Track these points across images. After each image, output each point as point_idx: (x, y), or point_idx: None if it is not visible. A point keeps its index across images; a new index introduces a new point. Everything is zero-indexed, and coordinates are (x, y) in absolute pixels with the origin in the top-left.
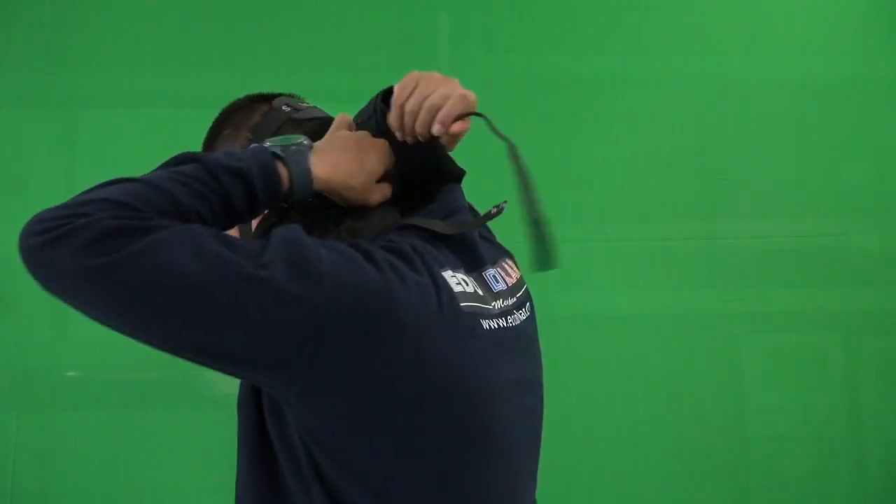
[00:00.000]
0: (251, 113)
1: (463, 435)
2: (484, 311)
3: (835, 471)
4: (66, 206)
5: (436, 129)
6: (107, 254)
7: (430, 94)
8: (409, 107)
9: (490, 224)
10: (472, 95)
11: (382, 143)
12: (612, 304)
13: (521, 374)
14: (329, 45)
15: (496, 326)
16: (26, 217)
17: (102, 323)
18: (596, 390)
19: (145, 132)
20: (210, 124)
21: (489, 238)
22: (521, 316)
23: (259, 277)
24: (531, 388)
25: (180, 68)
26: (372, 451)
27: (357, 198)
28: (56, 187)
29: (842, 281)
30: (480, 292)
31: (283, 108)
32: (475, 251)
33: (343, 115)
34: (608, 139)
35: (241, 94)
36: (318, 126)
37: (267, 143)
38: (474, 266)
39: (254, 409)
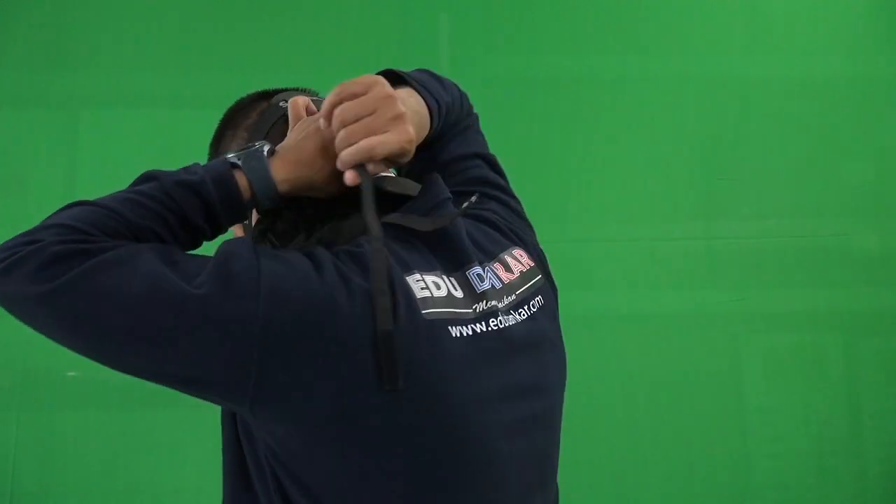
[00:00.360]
0: (251, 112)
1: (429, 452)
2: (455, 317)
3: (835, 471)
4: (25, 233)
5: (348, 175)
6: (51, 280)
7: (373, 112)
8: (340, 115)
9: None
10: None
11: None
12: (612, 303)
13: (516, 380)
14: (329, 45)
15: (472, 332)
16: (26, 217)
17: (63, 345)
18: (595, 390)
19: (145, 132)
20: (209, 124)
21: (499, 226)
22: (520, 315)
23: (193, 297)
24: (534, 393)
25: (180, 68)
26: (329, 475)
27: (322, 194)
28: (56, 187)
29: (842, 281)
30: (458, 295)
31: (281, 104)
32: (458, 248)
33: (295, 99)
34: (608, 139)
35: (240, 94)
36: None
37: (230, 155)
38: (456, 265)
39: (231, 424)
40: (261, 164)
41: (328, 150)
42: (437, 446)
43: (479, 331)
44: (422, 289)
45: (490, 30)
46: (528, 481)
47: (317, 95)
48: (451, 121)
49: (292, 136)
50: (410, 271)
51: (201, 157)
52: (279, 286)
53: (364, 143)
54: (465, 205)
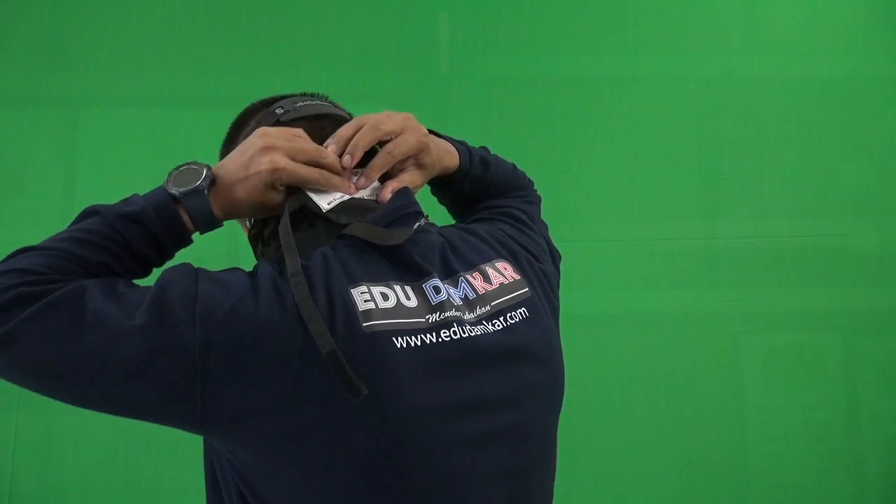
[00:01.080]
0: (251, 119)
1: (374, 465)
2: (402, 327)
3: (834, 470)
4: None
5: (384, 192)
6: (3, 324)
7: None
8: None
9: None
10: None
11: (277, 132)
12: (611, 303)
13: (478, 392)
14: (329, 45)
15: (421, 343)
16: (26, 217)
17: (22, 386)
18: (595, 391)
19: (145, 132)
20: (209, 124)
21: (487, 238)
22: (494, 326)
23: (133, 329)
24: (503, 406)
25: (180, 69)
26: (282, 489)
27: (259, 216)
28: (56, 187)
29: (841, 281)
30: (410, 304)
31: (277, 111)
32: (412, 262)
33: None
34: (608, 139)
35: (240, 95)
36: (307, 126)
37: (171, 186)
38: (413, 276)
39: (203, 440)
40: (201, 202)
41: (280, 181)
42: (382, 459)
43: (429, 341)
44: (365, 301)
45: (490, 30)
46: (496, 498)
47: (325, 99)
48: (496, 177)
49: (237, 157)
50: (356, 283)
51: (201, 156)
52: (215, 310)
53: (384, 149)
54: (417, 225)
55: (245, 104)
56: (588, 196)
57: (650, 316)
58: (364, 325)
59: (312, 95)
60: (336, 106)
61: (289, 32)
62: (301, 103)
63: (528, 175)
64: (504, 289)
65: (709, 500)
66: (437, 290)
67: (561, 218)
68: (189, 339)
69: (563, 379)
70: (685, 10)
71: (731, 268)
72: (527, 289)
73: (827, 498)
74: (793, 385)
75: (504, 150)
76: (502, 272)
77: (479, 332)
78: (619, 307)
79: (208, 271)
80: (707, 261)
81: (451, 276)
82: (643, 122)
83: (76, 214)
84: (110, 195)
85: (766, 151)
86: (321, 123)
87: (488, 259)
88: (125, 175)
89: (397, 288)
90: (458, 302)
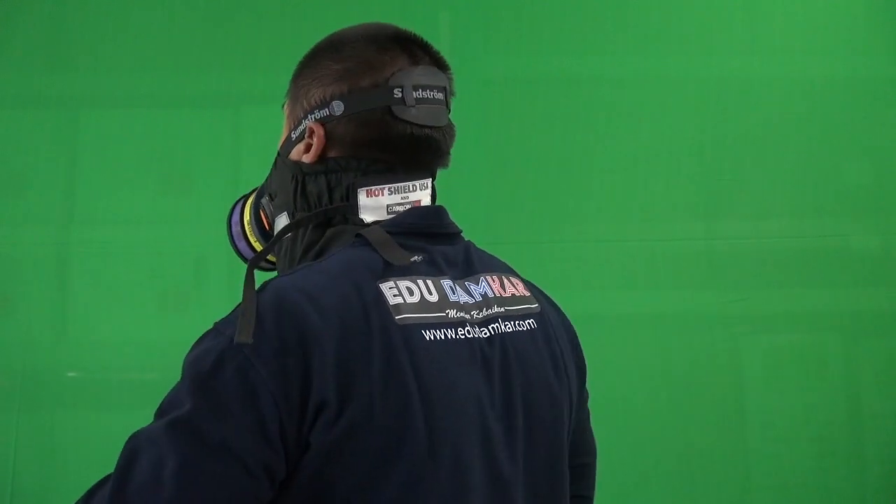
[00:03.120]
0: (369, 68)
1: (410, 457)
2: (429, 321)
3: (835, 471)
4: None
5: None
6: None
7: None
8: None
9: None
10: None
11: None
12: (612, 304)
13: (490, 390)
14: None
15: (445, 337)
16: (26, 218)
17: None
18: (595, 391)
19: (145, 133)
20: (209, 125)
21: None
22: (506, 328)
23: (218, 444)
24: (514, 406)
25: (181, 69)
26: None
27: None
28: (56, 188)
29: (842, 282)
30: (432, 300)
31: (395, 91)
32: (433, 262)
33: None
34: (608, 139)
35: (240, 95)
36: (409, 146)
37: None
38: (433, 271)
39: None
40: None
41: None
42: (417, 448)
43: (452, 336)
44: (394, 295)
45: (490, 30)
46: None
47: (445, 75)
48: None
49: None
50: (384, 279)
51: (201, 157)
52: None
53: None
54: (414, 259)
55: (245, 105)
56: (589, 196)
57: (651, 316)
58: (397, 318)
59: (427, 52)
60: (448, 95)
61: (289, 33)
62: (422, 92)
63: (530, 175)
64: (514, 299)
65: (709, 501)
66: (456, 286)
67: (562, 218)
68: (266, 416)
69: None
70: (686, 10)
71: (732, 268)
72: (536, 304)
73: (828, 499)
74: (793, 386)
75: (505, 150)
76: (515, 286)
77: (490, 333)
78: (620, 308)
79: (224, 340)
80: (708, 261)
81: (471, 274)
82: (644, 123)
83: (76, 215)
84: (111, 196)
85: (766, 152)
86: (421, 144)
87: (505, 271)
88: (126, 175)
89: (420, 282)
90: (478, 299)
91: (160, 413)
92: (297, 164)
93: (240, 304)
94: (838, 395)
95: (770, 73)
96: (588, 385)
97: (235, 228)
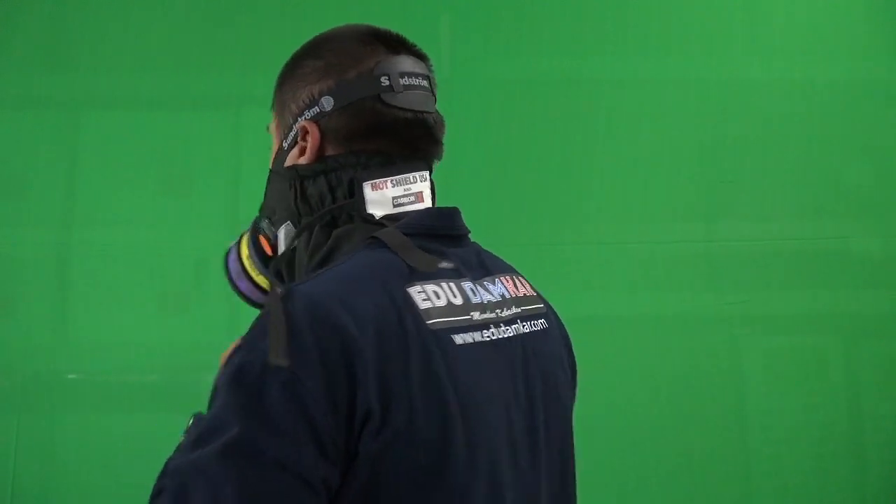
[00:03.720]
0: (350, 65)
1: (447, 459)
2: (457, 325)
3: (835, 473)
4: None
5: None
6: None
7: None
8: None
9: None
10: None
11: None
12: (613, 306)
13: (513, 390)
14: None
15: (473, 340)
16: (27, 218)
17: None
18: (596, 393)
19: (145, 134)
20: (209, 126)
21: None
22: (524, 328)
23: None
24: (534, 405)
25: (181, 70)
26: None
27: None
28: (56, 188)
29: (842, 283)
30: (457, 303)
31: (382, 80)
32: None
33: None
34: (608, 141)
35: (240, 97)
36: (404, 128)
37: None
38: (453, 274)
39: None
40: None
41: None
42: (458, 461)
43: (477, 339)
44: (424, 300)
45: (491, 31)
46: (535, 493)
47: (425, 66)
48: None
49: None
50: (411, 282)
51: (201, 158)
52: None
53: None
54: (442, 265)
55: (245, 106)
56: (589, 198)
57: (651, 318)
58: (428, 322)
59: (404, 45)
60: (433, 84)
61: (289, 34)
62: (408, 79)
63: (530, 176)
64: (526, 299)
65: (710, 503)
66: (477, 287)
67: (562, 220)
68: (321, 423)
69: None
70: (686, 12)
71: (733, 270)
72: (542, 305)
73: (828, 500)
74: (794, 387)
75: (506, 152)
76: (524, 285)
77: (510, 334)
78: (620, 309)
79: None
80: (708, 263)
81: (488, 275)
82: (644, 125)
83: (76, 216)
84: (111, 197)
85: (767, 154)
86: (415, 129)
87: (513, 271)
88: (126, 176)
89: (444, 285)
90: (497, 298)
91: (200, 440)
92: (293, 168)
93: (263, 313)
94: (838, 396)
95: (770, 75)
96: (589, 386)
97: (234, 267)
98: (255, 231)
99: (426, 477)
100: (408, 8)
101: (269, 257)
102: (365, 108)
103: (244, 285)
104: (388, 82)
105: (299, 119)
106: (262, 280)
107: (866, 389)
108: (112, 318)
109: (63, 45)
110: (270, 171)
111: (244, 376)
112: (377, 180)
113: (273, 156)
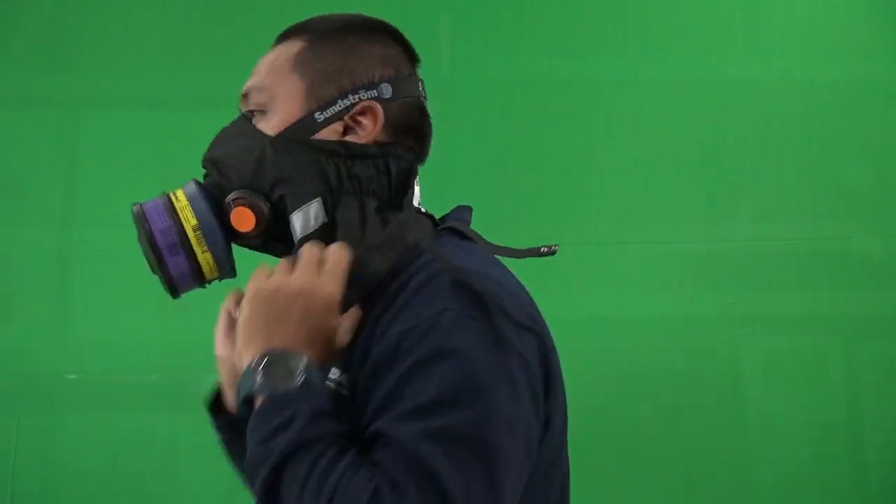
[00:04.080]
0: (403, 58)
1: (559, 457)
2: None
3: (836, 474)
4: None
5: None
6: None
7: None
8: None
9: None
10: None
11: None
12: (612, 307)
13: None
14: None
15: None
16: (27, 219)
17: None
18: (595, 393)
19: (146, 134)
20: (209, 126)
21: None
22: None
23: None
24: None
25: (182, 70)
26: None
27: None
28: (56, 189)
29: (843, 284)
30: None
31: (421, 87)
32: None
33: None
34: (608, 141)
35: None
36: (417, 115)
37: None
38: None
39: None
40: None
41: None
42: (564, 447)
43: None
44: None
45: (491, 31)
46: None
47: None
48: None
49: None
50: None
51: (200, 158)
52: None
53: None
54: (541, 250)
55: None
56: (589, 198)
57: (651, 319)
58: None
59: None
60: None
61: None
62: (423, 90)
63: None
64: None
65: (710, 503)
66: None
67: (562, 220)
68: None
69: None
70: (686, 12)
71: (732, 271)
72: None
73: (828, 500)
74: (794, 389)
75: (506, 152)
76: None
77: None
78: (620, 310)
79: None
80: (708, 264)
81: None
82: (644, 125)
83: (76, 216)
84: (111, 197)
85: (767, 154)
86: (429, 140)
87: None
88: (126, 177)
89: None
90: None
91: (436, 408)
92: (342, 144)
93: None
94: (839, 397)
95: (770, 75)
96: (588, 388)
97: (166, 238)
98: (226, 201)
99: (549, 468)
100: (408, 8)
101: (242, 234)
102: (415, 107)
103: (177, 261)
104: (421, 88)
105: (351, 96)
106: (206, 259)
107: (866, 389)
108: (112, 318)
109: (63, 45)
110: (279, 137)
111: (483, 342)
112: (416, 177)
113: (284, 121)
